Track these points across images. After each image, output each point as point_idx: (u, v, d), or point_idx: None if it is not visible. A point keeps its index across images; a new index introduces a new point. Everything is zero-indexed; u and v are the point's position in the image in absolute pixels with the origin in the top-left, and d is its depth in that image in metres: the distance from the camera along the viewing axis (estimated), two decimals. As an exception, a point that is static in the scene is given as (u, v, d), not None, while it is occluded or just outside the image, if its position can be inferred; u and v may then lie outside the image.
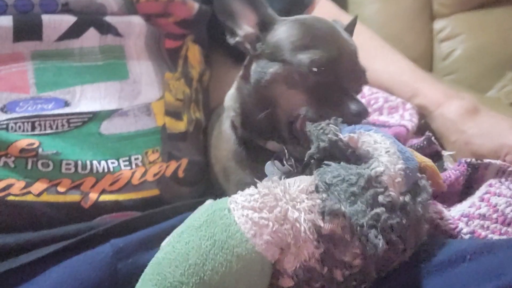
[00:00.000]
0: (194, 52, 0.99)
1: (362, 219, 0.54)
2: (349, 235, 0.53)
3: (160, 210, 0.79)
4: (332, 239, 0.53)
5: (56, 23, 0.78)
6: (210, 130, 0.97)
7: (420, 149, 0.96)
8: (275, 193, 0.52)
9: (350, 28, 0.88)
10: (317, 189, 0.55)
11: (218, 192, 0.90)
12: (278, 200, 0.52)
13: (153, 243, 0.73)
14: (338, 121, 0.66)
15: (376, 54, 1.14)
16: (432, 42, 1.63)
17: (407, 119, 1.02)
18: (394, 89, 1.10)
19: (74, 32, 0.80)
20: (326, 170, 0.61)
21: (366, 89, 1.10)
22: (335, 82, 0.71)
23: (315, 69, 0.70)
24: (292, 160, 0.77)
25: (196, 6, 0.96)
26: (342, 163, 0.62)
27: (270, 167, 0.79)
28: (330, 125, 0.64)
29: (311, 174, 0.69)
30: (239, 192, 0.55)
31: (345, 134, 0.64)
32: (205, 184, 0.93)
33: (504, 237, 0.74)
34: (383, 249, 0.53)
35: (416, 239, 0.60)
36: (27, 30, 0.77)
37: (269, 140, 0.80)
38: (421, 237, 0.61)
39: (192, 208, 0.80)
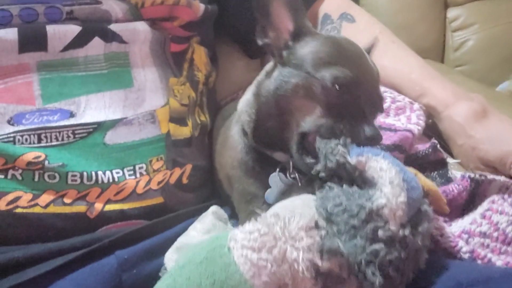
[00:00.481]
0: (200, 54, 0.98)
1: (360, 256, 0.55)
2: (347, 272, 0.54)
3: (164, 219, 0.80)
4: (330, 276, 0.54)
5: (61, 33, 0.78)
6: (215, 134, 0.97)
7: (425, 156, 0.96)
8: (274, 232, 0.53)
9: (370, 49, 0.89)
10: (316, 225, 0.56)
11: (222, 196, 0.92)
12: (277, 240, 0.53)
13: (157, 253, 0.75)
14: (347, 141, 0.66)
15: (385, 50, 1.13)
16: (445, 32, 1.60)
17: (414, 122, 1.01)
18: (403, 87, 1.09)
19: (79, 42, 0.80)
20: (328, 195, 0.62)
21: (374, 88, 1.09)
22: (354, 103, 0.71)
23: (336, 86, 0.70)
24: (296, 173, 0.78)
25: (202, 7, 0.94)
26: (345, 186, 0.63)
27: (274, 178, 0.79)
28: (339, 146, 0.65)
29: (313, 191, 0.71)
30: (240, 227, 0.56)
31: (353, 156, 0.64)
32: (209, 188, 0.94)
33: (503, 256, 0.75)
34: (380, 285, 0.54)
35: (414, 269, 0.61)
36: (32, 41, 0.77)
37: (277, 150, 0.80)
38: (419, 266, 0.61)
39: (196, 214, 0.82)
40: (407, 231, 0.59)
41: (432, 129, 1.08)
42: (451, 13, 1.60)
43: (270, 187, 0.80)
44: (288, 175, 0.78)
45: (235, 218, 0.87)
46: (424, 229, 0.62)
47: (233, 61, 1.26)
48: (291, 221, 0.55)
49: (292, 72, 0.75)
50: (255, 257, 0.51)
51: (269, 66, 0.82)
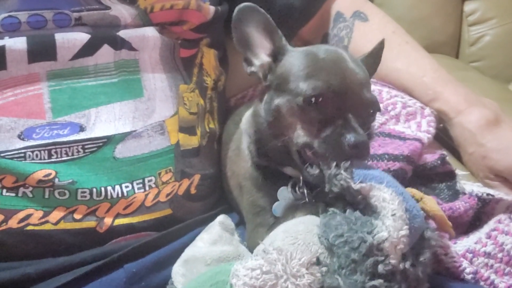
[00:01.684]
0: (209, 58, 0.98)
1: (360, 292, 0.56)
2: (346, 309, 0.55)
3: (172, 230, 0.82)
4: (330, 313, 0.55)
5: (70, 42, 0.78)
6: (226, 139, 0.97)
7: (433, 168, 0.96)
8: (275, 270, 0.54)
9: (377, 52, 0.87)
10: (318, 261, 0.57)
11: (231, 202, 0.93)
12: (279, 278, 0.54)
13: (165, 264, 0.77)
14: (348, 165, 0.66)
15: (398, 52, 1.11)
16: (461, 26, 1.56)
17: (424, 129, 1.00)
18: (415, 91, 1.07)
19: (88, 50, 0.80)
20: (330, 223, 0.63)
21: (385, 92, 1.08)
22: (336, 113, 0.71)
23: (313, 100, 0.70)
24: (305, 188, 0.79)
25: (211, 10, 0.93)
26: (348, 212, 0.64)
27: (283, 192, 0.81)
28: (341, 171, 0.65)
29: (317, 211, 0.72)
30: (242, 263, 0.57)
31: (357, 181, 0.64)
32: (217, 195, 0.95)
33: (506, 278, 0.76)
34: (379, 320, 0.56)
35: (415, 300, 0.62)
36: (41, 50, 0.77)
37: (286, 165, 0.81)
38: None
39: (204, 223, 0.83)
40: (407, 264, 0.60)
41: (444, 133, 1.07)
42: (468, 6, 1.56)
43: (278, 201, 0.81)
44: (297, 189, 0.80)
45: (243, 224, 0.88)
46: (426, 258, 0.62)
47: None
48: (293, 256, 0.56)
49: (274, 94, 0.77)
50: (256, 295, 0.53)
51: (260, 88, 0.84)
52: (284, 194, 0.80)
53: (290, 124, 0.74)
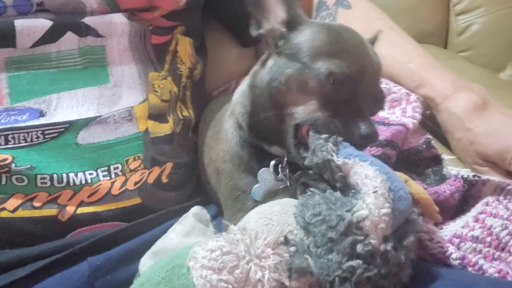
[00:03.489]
0: (184, 46, 0.94)
1: (335, 273, 0.51)
2: (318, 292, 0.51)
3: (142, 221, 0.77)
4: (300, 296, 0.51)
5: (30, 29, 0.74)
6: (203, 127, 0.94)
7: (418, 153, 0.92)
8: (237, 251, 0.49)
9: (373, 41, 0.85)
10: (286, 241, 0.52)
11: (208, 193, 0.89)
12: (240, 259, 0.49)
13: (133, 258, 0.72)
14: (338, 140, 0.63)
15: (383, 38, 1.07)
16: (449, 15, 1.53)
17: (409, 115, 0.97)
18: (400, 77, 1.04)
19: (50, 37, 0.76)
20: (308, 202, 0.59)
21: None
22: (351, 98, 0.69)
23: (332, 81, 0.67)
24: (287, 170, 0.75)
25: None
26: (327, 192, 0.60)
27: (264, 174, 0.77)
28: (329, 143, 0.62)
29: (295, 195, 0.67)
30: (202, 244, 0.52)
31: (341, 157, 0.61)
32: (193, 185, 0.91)
33: (496, 263, 0.71)
34: (355, 305, 0.51)
35: (396, 285, 0.57)
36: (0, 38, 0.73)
37: (274, 144, 0.77)
38: (402, 282, 0.58)
39: (178, 215, 0.78)
40: (389, 246, 0.55)
41: (431, 121, 1.03)
42: (456, -6, 1.54)
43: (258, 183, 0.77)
44: (280, 170, 0.76)
45: (220, 216, 0.85)
46: (409, 242, 0.58)
47: (226, 49, 1.21)
48: (259, 236, 0.51)
49: (286, 62, 0.72)
50: (215, 278, 0.48)
51: (264, 55, 0.79)
52: (265, 176, 0.77)
53: (297, 96, 0.70)
